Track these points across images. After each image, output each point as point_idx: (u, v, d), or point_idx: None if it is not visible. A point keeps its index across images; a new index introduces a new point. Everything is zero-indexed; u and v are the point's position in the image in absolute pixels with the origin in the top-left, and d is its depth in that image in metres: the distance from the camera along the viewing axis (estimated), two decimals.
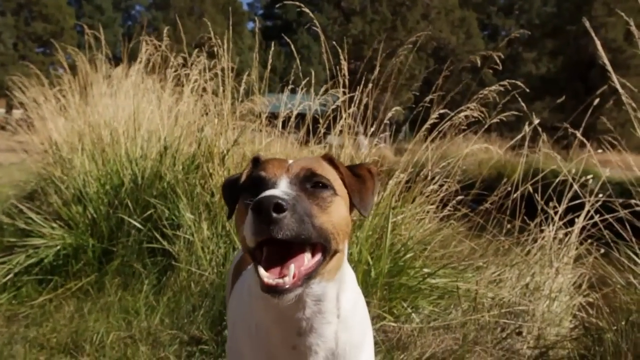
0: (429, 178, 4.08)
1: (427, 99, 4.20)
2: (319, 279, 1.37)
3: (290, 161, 1.43)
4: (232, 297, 1.73)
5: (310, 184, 1.35)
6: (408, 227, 3.86)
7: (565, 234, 3.96)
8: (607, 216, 3.54)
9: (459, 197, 4.21)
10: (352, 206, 1.46)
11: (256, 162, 1.50)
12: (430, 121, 4.07)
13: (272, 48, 4.69)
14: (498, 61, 4.23)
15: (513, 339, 3.26)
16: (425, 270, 3.57)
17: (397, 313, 3.30)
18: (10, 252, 4.24)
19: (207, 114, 4.95)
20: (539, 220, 4.00)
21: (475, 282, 3.48)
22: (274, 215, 1.19)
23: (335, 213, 1.34)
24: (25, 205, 4.75)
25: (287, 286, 1.23)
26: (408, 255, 3.63)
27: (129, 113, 5.55)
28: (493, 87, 4.07)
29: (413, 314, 3.28)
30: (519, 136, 4.21)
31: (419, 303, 3.40)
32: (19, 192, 7.42)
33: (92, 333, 3.33)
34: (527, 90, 4.19)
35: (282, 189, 1.30)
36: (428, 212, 4.01)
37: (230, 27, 4.77)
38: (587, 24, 3.67)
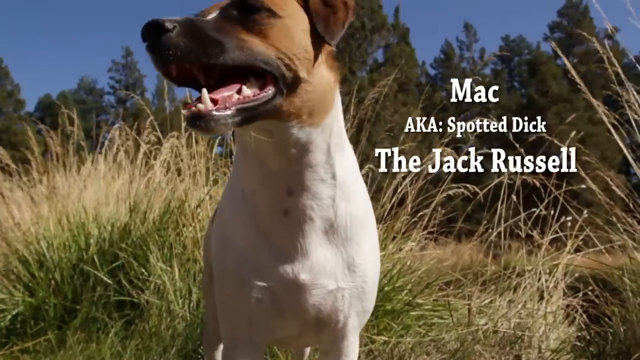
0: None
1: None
2: (297, 123, 1.23)
3: None
4: (222, 195, 1.58)
5: (237, 10, 1.19)
6: (390, 259, 3.71)
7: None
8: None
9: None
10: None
11: None
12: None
13: None
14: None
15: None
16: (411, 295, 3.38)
17: (386, 336, 3.06)
18: None
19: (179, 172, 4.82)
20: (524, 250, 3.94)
21: (467, 303, 3.30)
22: (161, 38, 1.05)
23: (277, 36, 1.18)
24: None
25: (203, 111, 1.08)
26: (394, 285, 3.45)
27: (96, 190, 5.44)
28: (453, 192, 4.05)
29: (403, 334, 3.03)
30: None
31: (408, 322, 3.17)
32: None
33: None
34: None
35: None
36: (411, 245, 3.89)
37: None
38: None
